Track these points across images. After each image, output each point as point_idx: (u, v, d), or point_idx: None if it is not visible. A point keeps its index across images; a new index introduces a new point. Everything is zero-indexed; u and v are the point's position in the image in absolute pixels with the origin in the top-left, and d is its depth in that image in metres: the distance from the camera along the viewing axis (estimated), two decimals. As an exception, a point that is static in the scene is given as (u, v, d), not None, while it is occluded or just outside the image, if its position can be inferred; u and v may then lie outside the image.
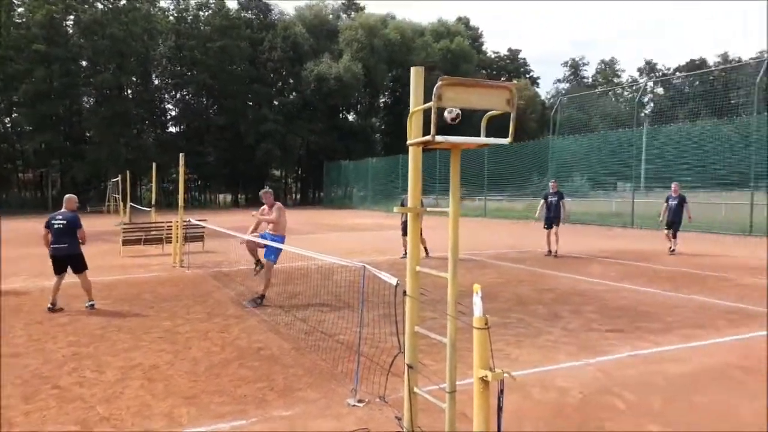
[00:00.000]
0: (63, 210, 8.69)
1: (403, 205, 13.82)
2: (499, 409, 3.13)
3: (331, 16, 59.60)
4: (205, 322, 7.71)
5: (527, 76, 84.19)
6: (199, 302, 9.00)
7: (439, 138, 3.04)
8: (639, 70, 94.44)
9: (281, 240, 8.99)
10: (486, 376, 3.02)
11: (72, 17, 45.55)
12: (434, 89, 2.90)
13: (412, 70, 3.67)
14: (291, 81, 54.22)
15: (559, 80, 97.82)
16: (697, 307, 8.48)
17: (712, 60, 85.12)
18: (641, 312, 8.13)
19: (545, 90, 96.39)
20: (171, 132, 53.54)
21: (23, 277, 11.46)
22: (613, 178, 30.74)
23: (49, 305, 8.39)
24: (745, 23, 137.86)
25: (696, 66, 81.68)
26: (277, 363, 5.90)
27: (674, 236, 14.84)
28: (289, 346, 6.52)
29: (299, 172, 59.76)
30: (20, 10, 44.24)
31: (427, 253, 13.29)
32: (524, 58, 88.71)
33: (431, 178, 31.95)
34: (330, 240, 19.53)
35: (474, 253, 14.89)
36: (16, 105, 44.83)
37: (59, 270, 8.53)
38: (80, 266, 8.56)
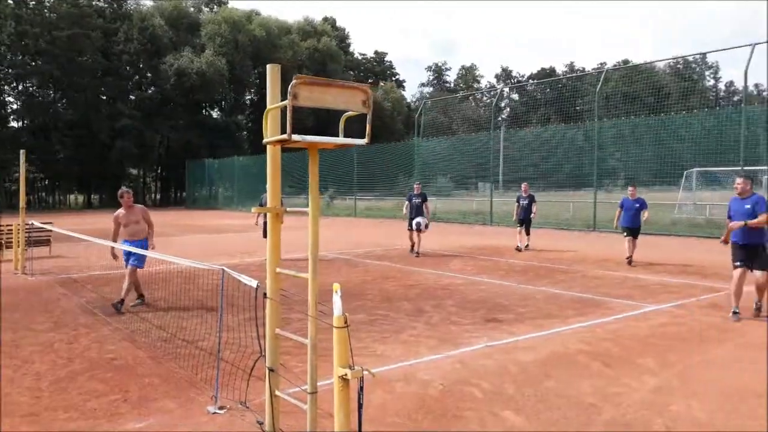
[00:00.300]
0: None
1: (261, 204, 13.60)
2: (360, 406, 3.15)
3: (192, 8, 57.27)
4: (50, 332, 7.08)
5: (393, 78, 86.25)
6: (44, 311, 8.25)
7: (295, 137, 3.01)
8: (496, 76, 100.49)
9: (144, 244, 8.50)
10: (346, 375, 3.03)
11: None
12: (289, 87, 2.87)
13: (268, 67, 3.62)
14: (149, 75, 51.48)
15: (423, 84, 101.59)
16: (547, 297, 9.12)
17: (560, 69, 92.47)
18: (497, 304, 8.61)
19: (411, 93, 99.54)
20: (12, 127, 48.64)
21: None
22: (474, 178, 32.41)
23: None
24: (590, 35, 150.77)
25: (546, 74, 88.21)
26: (132, 373, 5.55)
27: (527, 233, 15.58)
28: (146, 354, 6.16)
29: (159, 171, 56.85)
30: None
31: None
32: (390, 61, 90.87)
33: (303, 178, 31.78)
34: (194, 242, 18.78)
35: (343, 252, 15.00)
36: None
37: None
38: None
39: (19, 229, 12.31)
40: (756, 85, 56.42)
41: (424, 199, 14.82)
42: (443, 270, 12.06)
